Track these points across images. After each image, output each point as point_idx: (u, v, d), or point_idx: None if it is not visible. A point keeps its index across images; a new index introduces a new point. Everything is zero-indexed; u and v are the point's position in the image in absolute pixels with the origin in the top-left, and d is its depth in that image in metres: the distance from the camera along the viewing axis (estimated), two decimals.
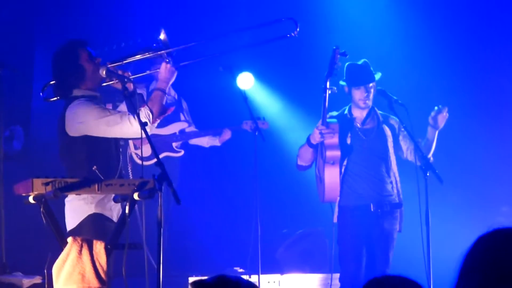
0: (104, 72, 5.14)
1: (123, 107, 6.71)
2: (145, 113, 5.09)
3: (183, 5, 9.30)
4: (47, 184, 4.59)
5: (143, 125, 4.90)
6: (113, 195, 4.98)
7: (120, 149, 5.34)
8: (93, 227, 5.02)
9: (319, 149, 6.25)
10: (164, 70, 5.29)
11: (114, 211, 5.12)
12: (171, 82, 5.34)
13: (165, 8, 9.23)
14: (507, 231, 2.42)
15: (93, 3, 8.82)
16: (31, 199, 4.69)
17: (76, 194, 4.97)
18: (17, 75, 8.23)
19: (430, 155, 6.31)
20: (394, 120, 6.35)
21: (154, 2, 9.19)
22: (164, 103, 5.30)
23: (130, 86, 5.07)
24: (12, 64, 7.99)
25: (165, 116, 5.37)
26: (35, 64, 8.48)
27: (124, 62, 5.38)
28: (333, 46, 6.17)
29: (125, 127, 5.06)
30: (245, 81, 8.18)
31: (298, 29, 5.43)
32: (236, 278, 2.26)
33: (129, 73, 5.30)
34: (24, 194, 4.74)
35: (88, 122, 5.07)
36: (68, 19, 8.68)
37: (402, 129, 6.27)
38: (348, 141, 6.22)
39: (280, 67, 9.28)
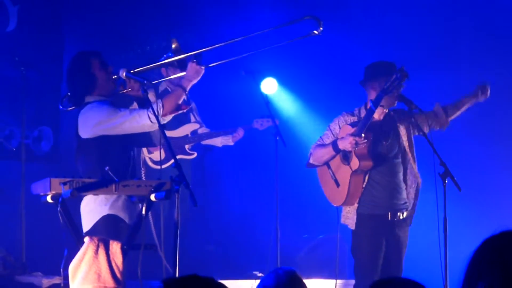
0: (124, 74, 5.20)
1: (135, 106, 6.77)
2: (156, 106, 5.11)
3: (208, 9, 9.34)
4: (64, 184, 4.65)
5: (162, 127, 4.95)
6: (126, 196, 5.04)
7: (132, 152, 5.37)
8: (106, 228, 5.06)
9: (341, 153, 6.17)
10: (190, 69, 5.31)
11: (127, 213, 5.14)
12: (195, 81, 5.33)
13: (189, 12, 9.27)
14: None
15: (120, 7, 8.88)
16: (49, 199, 4.75)
17: (94, 195, 5.02)
18: (47, 77, 8.34)
19: (450, 118, 6.28)
20: (404, 112, 6.22)
21: (180, 6, 9.23)
22: (180, 101, 5.31)
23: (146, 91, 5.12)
24: (42, 66, 8.09)
25: (177, 113, 5.38)
26: (64, 66, 8.55)
27: (143, 69, 5.42)
28: (402, 68, 5.89)
29: (134, 120, 5.11)
30: (269, 86, 8.26)
31: (321, 28, 5.28)
32: (208, 278, 2.30)
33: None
34: (42, 194, 4.81)
35: (100, 121, 5.12)
36: (96, 22, 8.75)
37: (414, 113, 6.13)
38: (378, 149, 6.11)
39: (302, 72, 9.29)
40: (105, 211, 5.09)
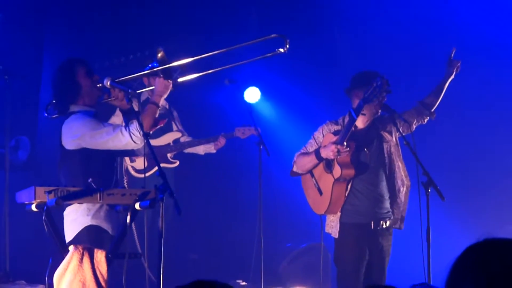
0: (108, 83, 5.18)
1: (115, 119, 6.77)
2: (135, 125, 5.07)
3: (193, 18, 9.35)
4: (49, 192, 4.64)
5: (146, 135, 4.94)
6: (108, 206, 5.03)
7: (115, 163, 5.37)
8: (89, 239, 5.04)
9: (324, 161, 6.18)
10: (158, 84, 5.28)
11: (110, 223, 5.13)
12: (165, 96, 5.32)
13: (173, 21, 9.27)
14: (496, 241, 2.42)
15: (102, 15, 8.87)
16: (33, 207, 4.73)
17: (78, 203, 5.00)
18: (25, 85, 8.29)
19: (433, 109, 6.32)
20: (388, 121, 6.23)
21: (160, 16, 9.24)
22: (156, 116, 5.29)
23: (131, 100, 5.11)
24: (21, 73, 8.04)
25: (156, 128, 5.37)
26: (43, 75, 8.53)
27: (127, 78, 5.38)
28: (383, 76, 5.88)
29: (116, 139, 5.09)
30: (252, 95, 8.32)
31: (287, 46, 5.17)
32: (211, 280, 2.30)
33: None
34: (26, 203, 4.79)
35: (83, 135, 5.11)
36: (77, 30, 8.74)
37: (398, 116, 6.14)
38: (361, 158, 6.12)
39: (284, 81, 9.32)
40: (87, 221, 5.07)
